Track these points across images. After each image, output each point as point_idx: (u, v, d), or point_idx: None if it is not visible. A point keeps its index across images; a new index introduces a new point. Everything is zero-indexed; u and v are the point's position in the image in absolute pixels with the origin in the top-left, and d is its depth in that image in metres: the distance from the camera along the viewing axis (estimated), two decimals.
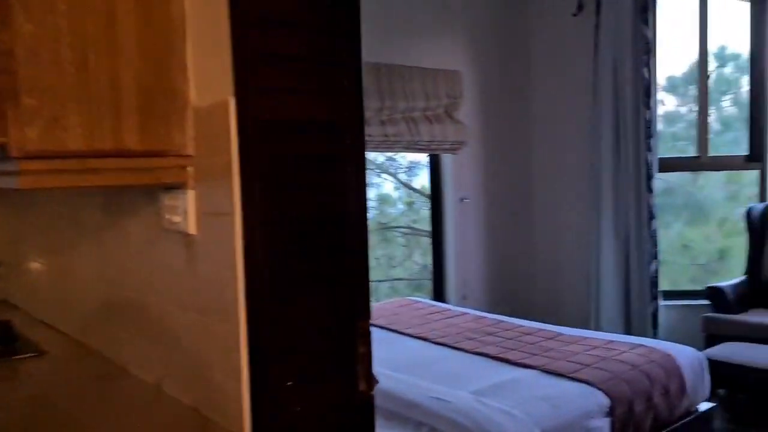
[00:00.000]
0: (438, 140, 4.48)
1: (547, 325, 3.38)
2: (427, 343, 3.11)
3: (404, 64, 4.29)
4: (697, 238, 6.61)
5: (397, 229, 6.89)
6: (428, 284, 5.48)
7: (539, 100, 5.08)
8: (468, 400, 2.27)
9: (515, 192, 5.11)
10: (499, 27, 4.99)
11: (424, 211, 5.97)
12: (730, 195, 6.56)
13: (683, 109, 5.93)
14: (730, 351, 3.66)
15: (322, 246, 1.25)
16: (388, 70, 4.20)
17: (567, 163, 4.98)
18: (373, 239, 5.53)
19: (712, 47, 5.35)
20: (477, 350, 2.91)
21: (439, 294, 4.83)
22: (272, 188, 1.18)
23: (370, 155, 5.26)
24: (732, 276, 6.31)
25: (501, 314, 4.10)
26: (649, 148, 4.46)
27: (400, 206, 6.87)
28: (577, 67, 4.81)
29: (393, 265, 6.88)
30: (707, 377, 2.86)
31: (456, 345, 3.01)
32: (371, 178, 6.35)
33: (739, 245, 6.46)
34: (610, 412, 2.35)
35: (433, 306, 3.84)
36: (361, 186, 1.31)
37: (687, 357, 2.81)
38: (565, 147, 4.97)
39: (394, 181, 6.72)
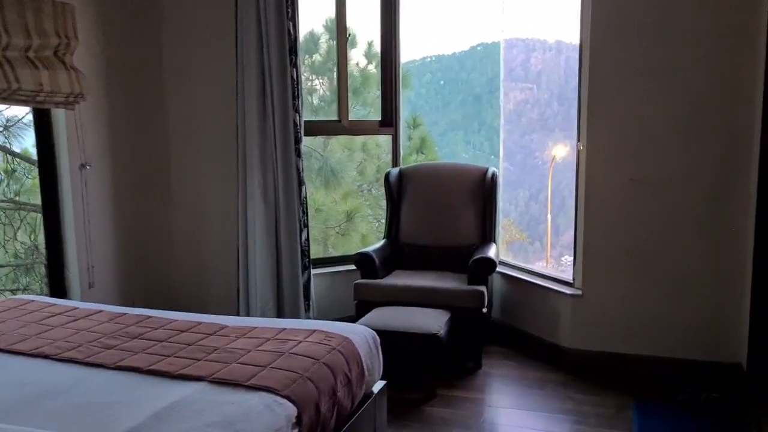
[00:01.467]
0: (47, 91, 3.48)
1: (205, 316, 2.84)
2: (48, 363, 2.29)
3: None
4: (328, 202, 6.77)
5: None
6: (41, 270, 4.45)
7: (174, 51, 4.40)
8: None
9: (148, 156, 4.36)
10: None
11: (30, 180, 4.82)
12: (358, 160, 6.85)
13: (301, 77, 5.94)
14: (383, 317, 3.66)
15: None
16: None
17: (209, 123, 4.43)
18: None
19: (323, 20, 5.44)
20: (122, 364, 2.24)
21: (58, 284, 3.88)
22: None
23: None
24: (359, 236, 6.65)
25: (141, 306, 3.44)
26: (296, 109, 4.20)
27: None
28: (217, 16, 4.26)
29: None
30: (380, 356, 2.71)
31: (91, 360, 2.28)
32: None
33: (364, 207, 6.83)
34: (298, 422, 1.97)
35: (54, 305, 2.96)
36: None
37: (362, 338, 2.60)
38: (206, 105, 4.41)
39: None
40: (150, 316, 2.79)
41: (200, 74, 4.39)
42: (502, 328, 4.47)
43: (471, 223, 4.39)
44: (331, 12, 4.82)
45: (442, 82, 8.10)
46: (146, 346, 2.42)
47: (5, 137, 5.30)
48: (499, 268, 4.40)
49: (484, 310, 3.90)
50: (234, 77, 4.15)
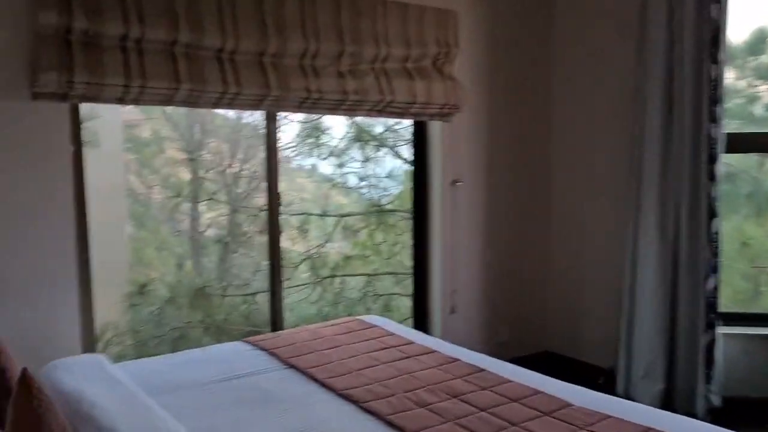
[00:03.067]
0: (422, 102, 3.30)
1: (550, 380, 2.20)
2: (351, 410, 1.97)
3: None
4: (758, 235, 5.35)
5: (395, 212, 5.80)
6: None
7: (565, 52, 3.84)
8: None
9: (527, 174, 3.90)
10: None
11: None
12: None
13: (742, 83, 4.72)
14: None
15: None
16: (351, 1, 3.04)
17: (599, 138, 3.75)
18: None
19: None
20: None
21: (420, 305, 3.70)
22: None
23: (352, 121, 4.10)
24: None
25: (504, 340, 3.02)
26: (713, 119, 3.21)
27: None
28: (620, 9, 3.56)
29: (386, 257, 5.78)
30: None
31: (395, 419, 1.87)
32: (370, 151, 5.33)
33: None
34: None
35: (392, 335, 2.69)
36: None
37: None
38: (597, 114, 3.74)
39: (393, 154, 5.56)
40: (483, 369, 2.28)
41: (594, 81, 3.75)
42: None
43: None
44: None
45: None
46: (462, 413, 1.90)
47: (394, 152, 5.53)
48: None
49: None
50: (632, 83, 3.40)
